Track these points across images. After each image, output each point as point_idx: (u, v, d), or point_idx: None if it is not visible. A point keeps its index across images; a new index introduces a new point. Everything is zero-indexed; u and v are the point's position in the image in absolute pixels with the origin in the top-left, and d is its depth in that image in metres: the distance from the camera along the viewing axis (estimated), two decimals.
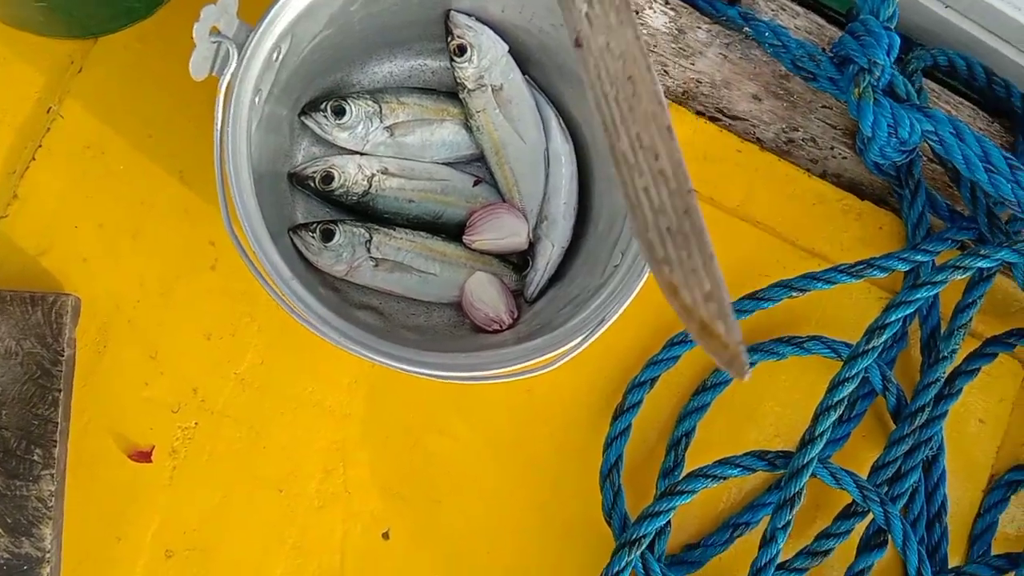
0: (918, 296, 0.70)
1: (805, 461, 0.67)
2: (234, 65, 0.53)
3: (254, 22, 0.56)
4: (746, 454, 0.69)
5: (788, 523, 0.67)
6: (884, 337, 0.69)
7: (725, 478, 0.68)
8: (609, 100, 0.38)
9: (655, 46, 0.77)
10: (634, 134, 0.37)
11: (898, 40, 0.71)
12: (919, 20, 0.86)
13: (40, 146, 0.68)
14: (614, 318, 0.57)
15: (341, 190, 0.68)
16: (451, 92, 0.70)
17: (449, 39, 0.67)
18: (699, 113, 0.78)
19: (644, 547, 0.66)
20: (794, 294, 0.72)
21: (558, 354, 0.57)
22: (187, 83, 0.57)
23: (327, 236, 0.66)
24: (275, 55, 0.57)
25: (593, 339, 0.57)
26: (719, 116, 0.79)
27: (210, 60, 0.53)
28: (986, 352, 0.76)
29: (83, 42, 0.69)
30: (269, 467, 0.68)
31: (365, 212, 0.69)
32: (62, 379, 0.63)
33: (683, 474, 0.69)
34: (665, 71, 0.78)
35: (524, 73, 0.70)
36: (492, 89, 0.69)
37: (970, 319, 0.74)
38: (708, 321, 0.34)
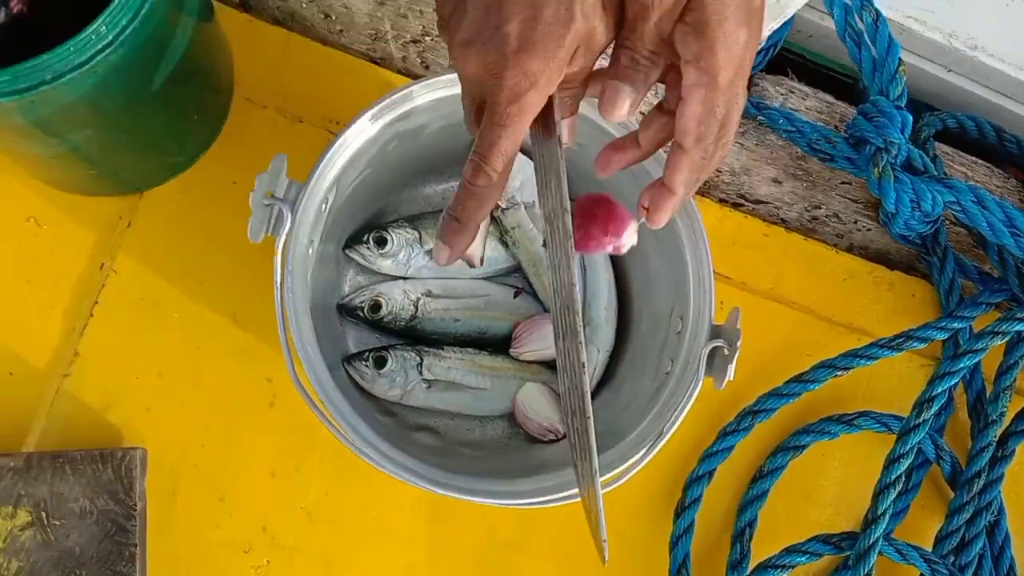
0: (961, 366, 0.71)
1: (871, 542, 0.68)
2: (288, 224, 0.56)
3: (300, 176, 0.58)
4: (811, 539, 0.70)
5: None
6: (933, 409, 0.70)
7: (793, 566, 0.68)
8: (558, 306, 0.45)
9: None
10: (565, 346, 0.44)
11: (910, 118, 0.73)
12: (924, 85, 0.89)
13: (97, 302, 0.70)
14: (673, 429, 0.58)
15: (389, 317, 0.70)
16: None
17: None
18: (722, 201, 0.81)
19: None
20: (838, 373, 0.73)
21: (619, 472, 0.58)
22: (230, 226, 0.59)
23: (380, 363, 0.68)
24: (323, 206, 0.60)
25: (654, 452, 0.58)
26: (742, 202, 0.81)
27: (265, 223, 0.56)
28: None
29: (129, 197, 0.72)
30: None
31: (413, 335, 0.71)
32: (136, 533, 0.65)
33: (751, 566, 0.70)
34: None
35: None
36: (524, 206, 0.71)
37: (1014, 380, 0.75)
38: (589, 508, 0.45)
